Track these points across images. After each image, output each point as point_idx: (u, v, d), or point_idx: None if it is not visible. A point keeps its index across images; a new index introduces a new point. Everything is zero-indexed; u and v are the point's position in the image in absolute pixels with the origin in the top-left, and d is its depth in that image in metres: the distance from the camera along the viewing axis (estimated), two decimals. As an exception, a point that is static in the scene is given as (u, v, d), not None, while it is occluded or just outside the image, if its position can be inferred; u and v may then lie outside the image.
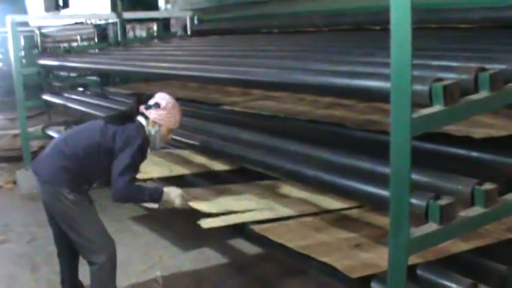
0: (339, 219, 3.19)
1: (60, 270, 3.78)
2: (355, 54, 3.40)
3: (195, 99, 5.40)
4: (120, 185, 3.20)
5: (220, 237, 4.73)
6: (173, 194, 3.36)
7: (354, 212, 3.24)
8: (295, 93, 4.82)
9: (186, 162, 4.37)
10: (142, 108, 3.43)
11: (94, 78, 8.14)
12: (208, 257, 4.54)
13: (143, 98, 3.49)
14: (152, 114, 3.39)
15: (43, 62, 7.01)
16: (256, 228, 3.09)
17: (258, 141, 3.63)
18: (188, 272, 4.30)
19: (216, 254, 4.57)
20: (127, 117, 3.44)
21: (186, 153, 4.59)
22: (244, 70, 3.45)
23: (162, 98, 3.45)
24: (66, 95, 7.10)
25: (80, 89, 7.94)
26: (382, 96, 2.28)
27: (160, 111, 3.39)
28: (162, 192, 3.34)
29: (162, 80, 7.34)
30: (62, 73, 9.36)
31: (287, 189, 3.71)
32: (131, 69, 5.09)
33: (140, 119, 3.42)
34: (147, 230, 5.16)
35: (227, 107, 4.77)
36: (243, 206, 3.35)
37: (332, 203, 3.35)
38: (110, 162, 3.28)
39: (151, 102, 3.42)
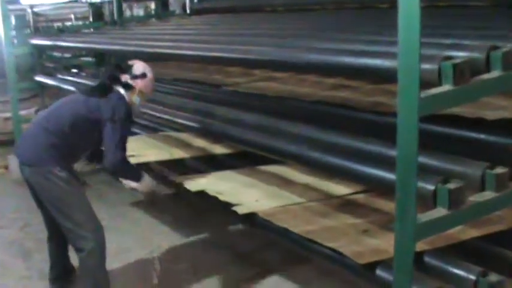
0: (345, 205, 3.21)
1: (49, 255, 3.81)
2: (361, 32, 3.39)
3: (196, 80, 5.39)
4: (118, 158, 3.31)
5: (220, 223, 4.75)
6: (150, 181, 3.58)
7: (360, 197, 3.26)
8: (299, 74, 4.82)
9: (186, 145, 4.39)
10: (126, 78, 3.51)
11: (89, 59, 8.12)
12: (207, 244, 4.56)
13: (122, 68, 3.56)
14: (139, 84, 3.51)
15: (35, 42, 7.00)
16: (261, 213, 3.13)
17: (260, 123, 3.64)
18: (187, 258, 4.32)
19: (216, 241, 4.59)
20: (107, 88, 3.49)
21: (185, 136, 4.60)
22: (245, 49, 3.44)
23: (144, 67, 3.58)
24: (60, 76, 7.10)
25: (75, 70, 7.94)
26: (390, 76, 2.27)
27: (147, 80, 3.54)
28: (144, 175, 3.56)
29: (159, 61, 7.33)
30: (56, 54, 9.34)
31: (292, 174, 3.74)
32: (128, 49, 5.07)
33: (119, 88, 3.50)
34: (145, 216, 5.18)
35: (230, 88, 4.76)
36: (251, 195, 3.41)
37: (337, 188, 3.38)
38: (98, 134, 3.36)
39: (136, 72, 3.53)
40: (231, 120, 3.90)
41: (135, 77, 3.51)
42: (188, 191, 3.65)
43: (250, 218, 3.30)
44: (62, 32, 7.70)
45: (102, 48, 5.80)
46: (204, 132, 4.23)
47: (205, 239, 4.65)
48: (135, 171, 3.56)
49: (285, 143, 3.30)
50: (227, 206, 3.33)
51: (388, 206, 2.97)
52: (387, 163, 2.58)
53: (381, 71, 2.41)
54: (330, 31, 3.77)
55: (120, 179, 3.62)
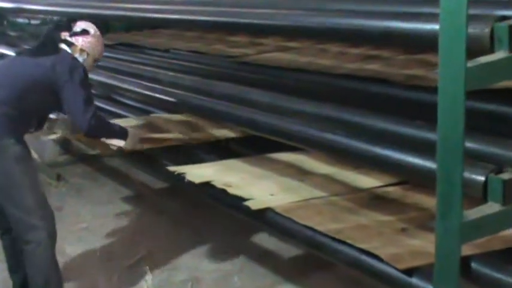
0: (376, 199, 3.23)
1: (5, 254, 3.84)
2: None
3: (193, 51, 5.38)
4: (90, 120, 3.53)
5: (226, 223, 4.75)
6: (136, 136, 3.91)
7: (394, 190, 3.27)
8: (318, 43, 4.80)
9: (183, 129, 4.39)
10: (65, 35, 3.73)
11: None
12: (210, 249, 4.55)
13: (62, 25, 3.85)
14: (80, 41, 3.73)
15: (-6, 4, 6.99)
16: (278, 208, 3.15)
17: (272, 102, 3.62)
18: (185, 267, 4.32)
19: (221, 245, 4.58)
20: (52, 46, 3.70)
21: (181, 118, 4.61)
22: (253, 13, 3.42)
23: (88, 25, 3.81)
24: (26, 47, 7.06)
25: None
26: (429, 42, 2.24)
27: (89, 38, 3.74)
28: (126, 128, 3.88)
29: (148, 28, 7.34)
30: (21, 20, 9.32)
31: (310, 163, 3.76)
32: (110, 14, 5.06)
33: (64, 47, 3.71)
34: (133, 216, 5.19)
35: (234, 60, 4.75)
36: (265, 187, 3.44)
37: (365, 179, 3.40)
38: (54, 97, 3.54)
39: (76, 28, 3.75)
40: (237, 98, 3.88)
41: (74, 34, 3.72)
42: (189, 184, 3.66)
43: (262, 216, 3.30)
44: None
45: (78, 12, 5.76)
46: (204, 114, 4.21)
47: (207, 243, 4.63)
48: (116, 127, 3.86)
49: (301, 126, 3.28)
50: (235, 201, 3.35)
51: (429, 200, 2.97)
52: (426, 149, 2.56)
53: (418, 36, 2.38)
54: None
55: (104, 140, 3.88)
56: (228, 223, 4.71)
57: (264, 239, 4.45)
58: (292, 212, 3.10)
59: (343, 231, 2.86)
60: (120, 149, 3.93)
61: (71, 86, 3.50)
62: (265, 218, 3.28)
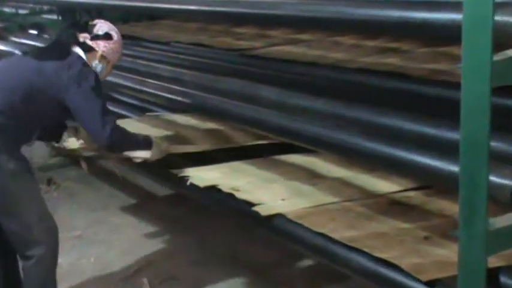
0: (394, 205, 3.23)
1: None
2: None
3: (197, 43, 5.38)
4: (111, 133, 3.36)
5: (231, 231, 4.74)
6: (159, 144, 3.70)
7: (413, 196, 3.27)
8: (331, 35, 4.80)
9: (187, 130, 4.39)
10: (85, 37, 3.56)
11: (54, 16, 8.10)
12: (214, 258, 4.56)
13: (82, 25, 3.65)
14: (101, 46, 3.57)
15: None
16: (291, 214, 3.14)
17: (281, 99, 3.61)
18: (187, 278, 4.32)
19: (226, 254, 4.59)
20: (63, 48, 3.54)
21: (183, 119, 4.61)
22: (259, 2, 3.42)
23: (110, 27, 3.64)
24: (14, 39, 7.09)
25: (33, 31, 7.90)
26: (450, 32, 2.24)
27: (111, 44, 3.59)
28: (151, 138, 3.67)
29: (148, 20, 7.34)
30: (7, 9, 9.33)
31: (321, 165, 3.75)
32: (105, 3, 5.06)
33: (78, 50, 3.54)
34: (131, 223, 5.19)
35: (241, 54, 4.74)
36: (274, 193, 3.44)
37: (381, 184, 3.40)
38: (57, 109, 3.41)
39: (98, 31, 3.58)
40: (242, 94, 3.87)
41: (96, 37, 3.56)
42: (191, 188, 3.66)
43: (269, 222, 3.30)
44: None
45: (71, 1, 5.77)
46: (207, 111, 4.21)
47: (210, 253, 4.64)
48: (139, 137, 3.63)
49: (312, 125, 3.27)
50: (241, 206, 3.36)
51: (455, 207, 2.96)
52: (448, 150, 2.55)
53: (439, 26, 2.36)
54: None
55: (127, 154, 3.66)
56: (233, 231, 4.71)
57: (272, 249, 4.43)
58: (304, 218, 3.10)
59: (360, 239, 2.85)
60: (145, 161, 3.73)
61: (81, 95, 3.35)
62: (273, 225, 3.27)
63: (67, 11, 7.46)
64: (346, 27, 3.25)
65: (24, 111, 3.35)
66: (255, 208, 3.25)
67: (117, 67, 5.21)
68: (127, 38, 6.36)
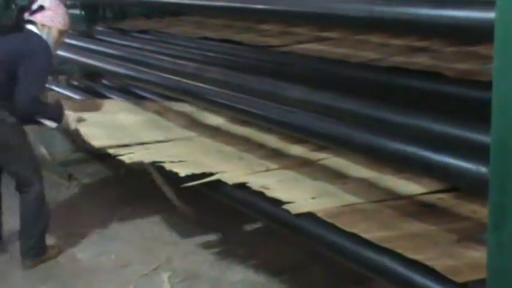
0: (426, 206, 3.24)
1: None
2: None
3: (219, 39, 5.38)
4: (27, 99, 4.07)
5: (251, 231, 4.74)
6: (72, 117, 4.43)
7: (446, 197, 3.28)
8: (357, 33, 4.79)
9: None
10: (26, 15, 4.23)
11: (76, 11, 8.11)
12: (234, 257, 4.55)
13: (24, 6, 4.33)
14: (38, 17, 4.23)
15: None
16: (321, 213, 3.14)
17: (306, 98, 3.59)
18: (207, 277, 4.32)
19: (246, 253, 4.58)
20: (18, 25, 4.27)
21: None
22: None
23: (45, 1, 4.27)
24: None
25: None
26: (482, 32, 2.21)
27: (45, 12, 4.23)
28: (63, 111, 4.38)
29: (170, 16, 7.34)
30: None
31: (348, 166, 3.76)
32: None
33: (31, 27, 4.24)
34: (151, 219, 5.19)
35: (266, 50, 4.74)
36: (302, 191, 3.46)
37: (412, 185, 3.40)
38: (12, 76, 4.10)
39: (34, 6, 4.23)
40: (266, 94, 3.86)
41: (33, 12, 4.22)
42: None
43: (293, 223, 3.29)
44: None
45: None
46: (229, 110, 4.20)
47: (232, 252, 4.64)
48: (52, 109, 4.39)
49: (339, 126, 3.26)
50: (259, 205, 3.39)
51: (485, 210, 2.95)
52: (478, 153, 2.53)
53: (470, 25, 2.34)
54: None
55: (38, 118, 4.33)
56: (256, 230, 4.70)
57: (295, 249, 4.42)
58: (335, 217, 3.09)
59: (392, 240, 2.85)
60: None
61: (26, 61, 4.04)
62: (296, 226, 3.28)
63: (90, 6, 7.49)
64: (375, 26, 3.23)
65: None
66: (286, 206, 3.25)
67: (138, 62, 5.29)
68: (150, 34, 6.43)
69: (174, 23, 6.83)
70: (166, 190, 4.84)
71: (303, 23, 5.19)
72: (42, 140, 6.28)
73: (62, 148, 6.53)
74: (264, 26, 5.73)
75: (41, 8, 4.22)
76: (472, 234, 2.86)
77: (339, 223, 3.04)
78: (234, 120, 4.78)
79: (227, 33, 5.66)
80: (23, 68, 4.07)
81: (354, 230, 2.95)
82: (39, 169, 4.43)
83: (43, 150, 6.36)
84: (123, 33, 6.58)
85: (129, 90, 6.19)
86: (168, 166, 3.88)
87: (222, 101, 4.27)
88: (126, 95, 5.95)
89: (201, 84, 4.45)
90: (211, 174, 3.75)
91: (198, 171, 3.77)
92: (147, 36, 6.27)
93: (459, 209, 3.16)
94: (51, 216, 4.53)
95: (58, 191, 5.76)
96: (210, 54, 5.01)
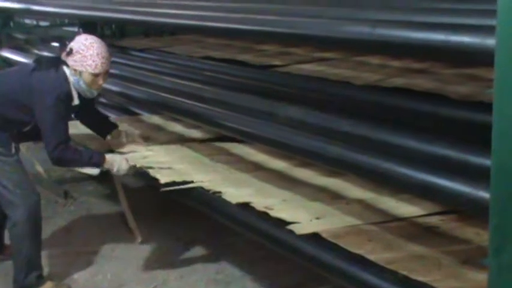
0: (430, 227, 3.25)
1: None
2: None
3: (220, 58, 5.39)
4: (50, 149, 3.98)
5: (244, 252, 4.72)
6: (119, 159, 4.16)
7: (450, 219, 3.29)
8: (356, 55, 4.81)
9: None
10: (63, 55, 4.08)
11: (75, 29, 8.14)
12: (235, 278, 4.54)
13: (63, 43, 4.21)
14: (70, 61, 4.05)
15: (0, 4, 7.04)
16: (325, 233, 3.13)
17: (304, 119, 3.59)
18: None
19: (244, 274, 4.57)
20: (54, 64, 4.12)
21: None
22: (283, 20, 3.41)
23: (76, 41, 4.09)
24: (35, 51, 7.12)
25: (55, 43, 7.94)
26: (482, 57, 2.22)
27: (75, 56, 4.03)
28: (103, 156, 4.13)
29: (169, 35, 7.37)
30: (28, 21, 9.36)
31: (345, 187, 3.76)
32: (127, 18, 5.08)
33: (65, 68, 4.08)
34: (148, 240, 5.16)
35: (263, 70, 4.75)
36: (303, 211, 3.46)
37: (411, 207, 3.41)
38: (29, 115, 4.05)
39: (67, 49, 4.06)
40: (262, 113, 3.86)
41: (67, 55, 4.05)
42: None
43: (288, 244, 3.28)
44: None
45: (93, 15, 5.79)
46: (227, 129, 4.20)
47: (227, 274, 4.62)
48: (85, 157, 4.09)
49: (335, 147, 3.26)
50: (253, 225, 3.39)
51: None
52: (478, 175, 2.53)
53: (471, 50, 2.33)
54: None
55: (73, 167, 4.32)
56: (250, 251, 4.69)
57: (292, 271, 4.40)
58: (340, 238, 3.09)
59: (398, 261, 2.85)
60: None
61: (40, 113, 3.98)
62: (293, 247, 3.28)
63: (88, 24, 7.51)
64: (372, 48, 3.23)
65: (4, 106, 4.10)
66: (290, 227, 3.24)
67: (135, 81, 5.30)
68: (148, 52, 6.45)
69: (172, 41, 6.87)
70: (129, 217, 5.03)
71: (301, 44, 5.20)
72: (38, 157, 6.27)
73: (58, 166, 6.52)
74: (263, 46, 5.76)
75: (70, 51, 4.03)
76: (476, 256, 2.86)
77: (344, 244, 3.03)
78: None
79: (226, 52, 5.68)
80: (37, 112, 4.00)
81: (360, 251, 2.95)
82: (23, 195, 4.12)
83: (39, 168, 6.35)
84: (122, 51, 6.60)
85: (127, 108, 6.19)
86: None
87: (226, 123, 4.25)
88: (124, 113, 5.96)
89: (198, 104, 4.45)
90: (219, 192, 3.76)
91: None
92: (146, 55, 6.31)
93: (462, 231, 3.17)
94: (42, 243, 4.30)
95: (54, 209, 5.75)
96: (209, 73, 5.03)
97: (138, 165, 4.14)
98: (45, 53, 6.99)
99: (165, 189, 3.83)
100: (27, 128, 4.16)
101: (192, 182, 3.86)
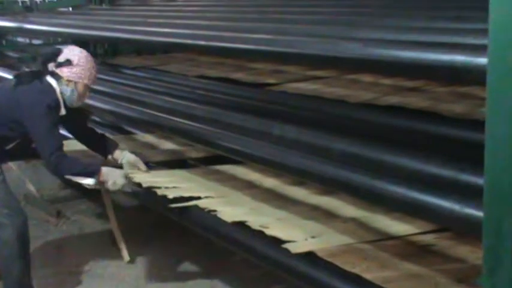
0: (425, 246, 3.24)
1: None
2: (434, 18, 3.36)
3: (213, 77, 5.39)
4: (47, 157, 3.96)
5: (242, 267, 4.70)
6: (116, 173, 4.11)
7: (446, 237, 3.28)
8: (348, 73, 4.83)
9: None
10: (52, 66, 4.09)
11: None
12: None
13: (49, 55, 4.16)
14: (65, 72, 4.06)
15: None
16: (321, 252, 3.12)
17: (297, 138, 3.59)
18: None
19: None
20: (36, 77, 4.12)
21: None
22: (276, 39, 3.43)
23: (72, 53, 4.13)
24: (27, 70, 7.10)
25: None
26: (474, 75, 2.23)
27: (73, 68, 4.06)
28: (100, 167, 4.09)
29: (161, 53, 7.39)
30: (21, 39, 9.37)
31: (336, 205, 3.75)
32: (119, 36, 5.10)
33: (49, 79, 4.09)
34: (141, 259, 5.15)
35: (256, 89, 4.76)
36: (298, 229, 3.45)
37: (405, 225, 3.41)
38: (16, 131, 4.07)
39: (61, 58, 4.08)
40: (254, 132, 3.86)
41: (59, 65, 4.06)
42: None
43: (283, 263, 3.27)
44: (30, 10, 7.74)
45: (85, 34, 5.80)
46: (220, 148, 4.20)
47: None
48: (81, 167, 4.06)
49: (328, 166, 3.26)
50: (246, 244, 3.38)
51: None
52: (470, 194, 2.53)
53: (462, 68, 2.34)
54: (386, 17, 3.76)
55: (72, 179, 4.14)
56: (243, 269, 4.67)
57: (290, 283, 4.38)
58: (336, 257, 3.07)
59: (394, 280, 2.85)
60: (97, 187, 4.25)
61: (31, 124, 3.97)
62: (287, 266, 3.26)
63: (79, 43, 7.51)
64: (364, 67, 3.24)
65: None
66: (286, 245, 3.22)
67: (128, 100, 5.30)
68: (140, 71, 6.46)
69: (164, 59, 6.88)
70: (117, 236, 5.02)
71: (294, 63, 5.22)
72: (30, 176, 6.26)
73: (51, 184, 6.51)
74: (256, 64, 5.77)
75: (68, 62, 4.05)
76: (471, 275, 2.85)
77: (340, 262, 3.02)
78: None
79: (219, 71, 5.69)
80: (29, 124, 3.99)
81: (355, 270, 2.94)
82: (9, 214, 4.07)
83: (30, 187, 6.34)
84: (114, 69, 6.60)
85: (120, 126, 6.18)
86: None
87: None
88: (117, 132, 5.95)
89: (190, 123, 4.44)
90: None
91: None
92: (138, 73, 6.31)
93: (457, 249, 3.16)
94: (31, 263, 4.24)
95: (46, 229, 5.72)
96: (202, 92, 5.04)
97: (144, 185, 4.04)
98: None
99: (173, 205, 3.79)
100: (10, 146, 4.17)
101: (199, 197, 3.85)
